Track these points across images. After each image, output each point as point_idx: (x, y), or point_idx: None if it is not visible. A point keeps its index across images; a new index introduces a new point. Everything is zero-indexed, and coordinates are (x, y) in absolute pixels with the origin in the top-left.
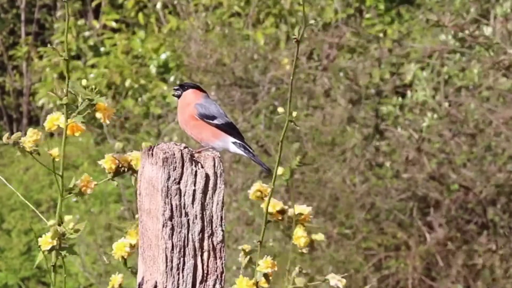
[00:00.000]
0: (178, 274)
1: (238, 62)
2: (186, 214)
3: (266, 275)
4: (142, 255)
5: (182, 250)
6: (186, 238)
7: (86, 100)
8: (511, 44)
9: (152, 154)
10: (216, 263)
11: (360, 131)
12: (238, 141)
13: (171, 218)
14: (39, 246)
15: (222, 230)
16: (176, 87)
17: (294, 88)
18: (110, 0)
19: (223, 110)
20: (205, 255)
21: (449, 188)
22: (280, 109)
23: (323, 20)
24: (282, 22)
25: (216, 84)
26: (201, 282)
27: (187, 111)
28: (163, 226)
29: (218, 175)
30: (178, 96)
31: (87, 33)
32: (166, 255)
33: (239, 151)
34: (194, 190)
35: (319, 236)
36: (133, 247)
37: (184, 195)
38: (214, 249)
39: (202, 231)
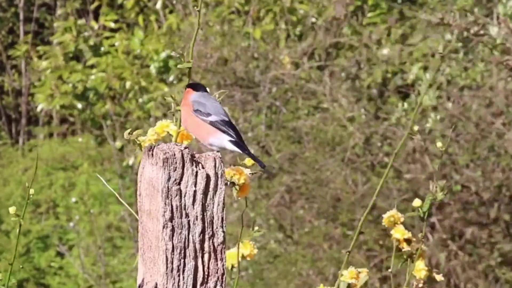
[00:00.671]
0: (179, 275)
1: (239, 62)
2: (187, 215)
3: (349, 286)
4: (142, 256)
5: (182, 251)
6: (187, 239)
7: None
8: None
9: (152, 154)
10: (217, 264)
11: (362, 131)
12: (234, 139)
13: (171, 219)
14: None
15: (223, 232)
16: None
17: (296, 88)
18: (109, 1)
19: (223, 108)
20: (206, 256)
21: (451, 189)
22: None
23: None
24: (282, 20)
25: (217, 84)
26: (201, 284)
27: (185, 109)
28: (164, 227)
29: (219, 175)
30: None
31: (86, 33)
32: (166, 257)
33: (235, 148)
34: (195, 191)
35: (439, 277)
36: (245, 257)
37: (185, 196)
38: (215, 250)
39: (202, 232)
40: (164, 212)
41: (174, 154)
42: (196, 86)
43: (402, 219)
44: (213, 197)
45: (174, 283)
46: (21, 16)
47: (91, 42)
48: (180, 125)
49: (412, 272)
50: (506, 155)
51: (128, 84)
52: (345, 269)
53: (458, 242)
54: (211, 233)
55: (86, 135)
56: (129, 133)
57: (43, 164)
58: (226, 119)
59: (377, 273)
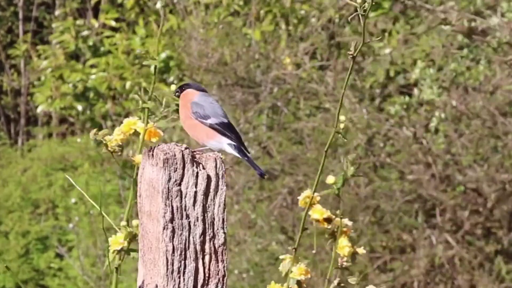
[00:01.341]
0: (179, 277)
1: (240, 62)
2: (187, 216)
3: (299, 282)
4: (142, 258)
5: (183, 253)
6: (187, 240)
7: (174, 105)
8: None
9: (152, 155)
10: (218, 266)
11: (364, 132)
12: (233, 143)
13: (171, 220)
14: (108, 246)
15: (224, 233)
16: (176, 90)
17: (297, 89)
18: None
19: (222, 110)
20: (207, 258)
21: (455, 190)
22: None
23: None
24: (282, 20)
25: (218, 84)
26: (202, 286)
27: (184, 111)
28: (164, 229)
29: (220, 176)
30: (178, 97)
31: (86, 32)
32: (166, 258)
33: (234, 153)
34: (195, 192)
35: (361, 250)
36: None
37: (185, 196)
38: (215, 252)
39: (203, 233)
40: (165, 213)
41: (175, 155)
42: (194, 87)
43: (318, 199)
44: (214, 198)
45: (175, 285)
46: (20, 15)
47: (91, 42)
48: (147, 122)
49: (336, 250)
50: (510, 156)
51: (128, 84)
52: (293, 265)
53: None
54: (212, 234)
55: (86, 135)
56: (94, 133)
57: (42, 164)
58: (225, 121)
59: (380, 275)
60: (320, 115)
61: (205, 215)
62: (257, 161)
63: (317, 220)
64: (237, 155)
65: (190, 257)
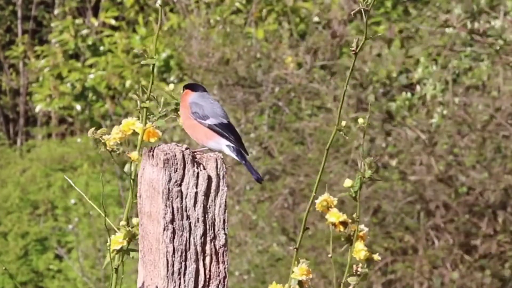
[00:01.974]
0: (180, 279)
1: (241, 61)
2: (188, 217)
3: (300, 283)
4: (142, 259)
5: (183, 254)
6: (188, 241)
7: (173, 103)
8: None
9: (152, 155)
10: (219, 267)
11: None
12: (232, 144)
13: (172, 221)
14: (108, 245)
15: (225, 234)
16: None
17: (299, 88)
18: None
19: (223, 110)
20: (207, 259)
21: (457, 191)
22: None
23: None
24: (285, 19)
25: (218, 84)
26: (203, 287)
27: (184, 111)
28: (164, 230)
29: (221, 177)
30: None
31: (85, 31)
32: (167, 259)
33: (233, 155)
34: (196, 193)
35: (376, 256)
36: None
37: (186, 197)
38: (216, 253)
39: (204, 234)
40: (165, 214)
41: (175, 155)
42: (194, 87)
43: (335, 202)
44: (214, 199)
45: (175, 286)
46: (19, 14)
47: (90, 41)
48: (146, 122)
49: (352, 254)
50: None
51: (128, 83)
52: (295, 266)
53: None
54: (212, 235)
55: (85, 135)
56: (93, 132)
57: (41, 165)
58: (225, 121)
59: (382, 277)
60: (322, 115)
61: (206, 216)
62: (258, 162)
63: (333, 224)
64: (236, 157)
65: (190, 258)
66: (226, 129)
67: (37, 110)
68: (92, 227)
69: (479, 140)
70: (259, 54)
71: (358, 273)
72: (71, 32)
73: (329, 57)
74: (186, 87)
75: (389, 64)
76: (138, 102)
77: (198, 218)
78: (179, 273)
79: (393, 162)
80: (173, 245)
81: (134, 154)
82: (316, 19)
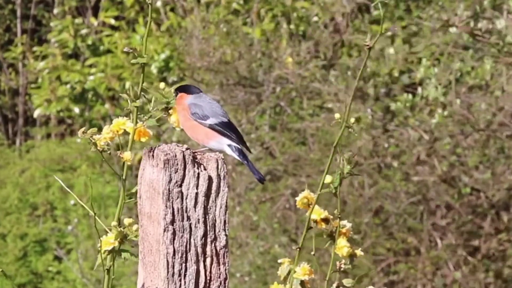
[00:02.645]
0: (180, 280)
1: (242, 61)
2: (188, 218)
3: (303, 283)
4: (142, 260)
5: (184, 255)
6: (188, 243)
7: (163, 102)
8: None
9: (153, 155)
10: (220, 269)
11: (368, 132)
12: (234, 144)
13: (172, 222)
14: (99, 246)
15: (226, 235)
16: (175, 92)
17: (300, 88)
18: None
19: (222, 109)
20: (208, 260)
21: (460, 192)
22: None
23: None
24: (283, 19)
25: (219, 84)
26: None
27: (182, 113)
28: (164, 231)
29: (222, 177)
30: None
31: (85, 31)
32: (167, 261)
33: (234, 155)
34: (197, 193)
35: (359, 252)
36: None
37: (186, 198)
38: (217, 254)
39: (205, 235)
40: (165, 215)
41: (175, 155)
42: (189, 88)
43: (315, 199)
44: (215, 200)
45: None
46: (18, 14)
47: (90, 41)
48: (136, 122)
49: (335, 250)
50: None
51: (127, 84)
52: (297, 265)
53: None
54: (213, 236)
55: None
56: (83, 132)
57: (40, 165)
58: (225, 120)
59: (384, 278)
60: (324, 115)
61: (207, 217)
62: (259, 162)
63: (315, 221)
64: (237, 157)
65: (191, 259)
66: (228, 128)
67: (35, 115)
68: (92, 228)
69: (482, 140)
70: (260, 54)
71: (342, 268)
72: (71, 32)
73: (329, 56)
74: (180, 90)
75: (391, 64)
76: (129, 101)
77: (198, 219)
78: (180, 275)
79: (395, 163)
80: (174, 246)
81: (126, 154)
82: (315, 18)
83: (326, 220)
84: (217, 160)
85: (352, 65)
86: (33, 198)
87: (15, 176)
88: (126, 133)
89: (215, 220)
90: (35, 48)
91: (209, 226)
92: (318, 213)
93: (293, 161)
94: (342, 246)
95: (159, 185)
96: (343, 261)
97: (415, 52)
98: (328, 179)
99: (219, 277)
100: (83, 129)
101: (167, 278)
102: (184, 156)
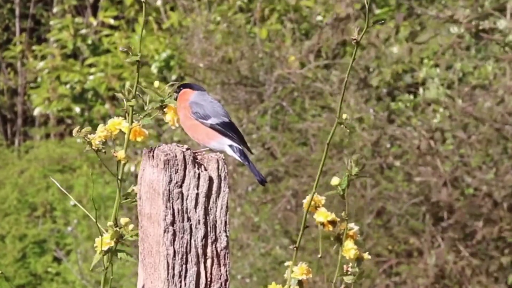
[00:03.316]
0: (180, 282)
1: (244, 60)
2: (189, 219)
3: (300, 283)
4: (142, 262)
5: (184, 256)
6: (189, 244)
7: (158, 101)
8: None
9: (153, 156)
10: (220, 270)
11: (370, 132)
12: (235, 144)
13: (173, 223)
14: (95, 246)
15: (227, 236)
16: (175, 90)
17: (302, 88)
18: None
19: (223, 109)
20: (209, 262)
21: (463, 192)
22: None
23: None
24: (287, 18)
25: (221, 83)
26: None
27: (183, 112)
28: (165, 232)
29: (222, 178)
30: (176, 98)
31: (84, 31)
32: (167, 262)
33: (235, 156)
34: (197, 194)
35: (366, 255)
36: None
37: (187, 199)
38: (218, 255)
39: (205, 236)
40: (165, 216)
41: (176, 156)
42: (192, 86)
43: (323, 202)
44: (216, 200)
45: None
46: (17, 13)
47: (89, 41)
48: (132, 121)
49: (342, 253)
50: None
51: (127, 84)
52: (294, 265)
53: (469, 244)
54: (214, 237)
55: None
56: (77, 131)
57: (39, 166)
58: (227, 120)
59: (386, 279)
60: (325, 115)
61: (207, 218)
62: (260, 163)
63: (322, 223)
64: (238, 158)
65: (191, 261)
66: (229, 128)
67: (35, 113)
68: (91, 229)
69: (485, 140)
70: (262, 53)
71: (349, 272)
72: (71, 31)
73: (332, 56)
74: (184, 86)
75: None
76: (124, 101)
77: (199, 220)
78: (180, 276)
79: (397, 163)
80: (174, 248)
81: (121, 153)
82: (319, 18)
83: (333, 223)
84: (217, 160)
85: (355, 64)
86: (32, 199)
87: (14, 176)
88: (122, 133)
89: (216, 221)
90: (34, 47)
91: (210, 227)
92: (324, 215)
93: (295, 161)
94: (349, 249)
95: (159, 185)
96: (350, 264)
97: (419, 42)
98: (335, 181)
99: (220, 278)
100: (77, 128)
101: (167, 279)
102: (184, 157)
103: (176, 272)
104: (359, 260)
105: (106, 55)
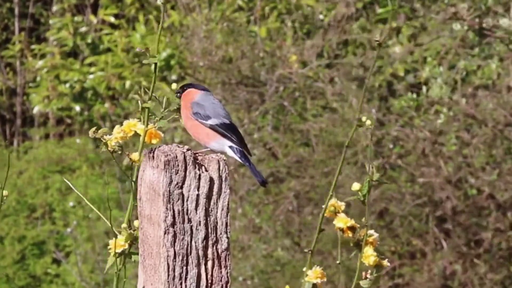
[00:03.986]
0: (181, 284)
1: (245, 60)
2: (189, 220)
3: (315, 286)
4: (142, 263)
5: (184, 258)
6: (189, 245)
7: (175, 103)
8: None
9: (153, 156)
10: (221, 272)
11: (373, 132)
12: (235, 146)
13: (173, 224)
14: (109, 248)
15: (227, 238)
16: (178, 90)
17: (304, 88)
18: None
19: (225, 110)
20: (209, 263)
21: (466, 193)
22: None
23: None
24: (288, 17)
25: (221, 83)
26: None
27: (185, 112)
28: (165, 233)
29: (223, 179)
30: (180, 98)
31: (84, 29)
32: (168, 264)
33: (236, 157)
34: (198, 195)
35: (385, 262)
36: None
37: (187, 200)
38: (218, 257)
39: (206, 238)
40: (166, 217)
41: (176, 157)
42: (195, 86)
43: (343, 208)
44: (217, 202)
45: None
46: (16, 12)
47: (89, 39)
48: (147, 123)
49: (361, 259)
50: None
51: (128, 84)
52: (309, 269)
53: (475, 250)
54: (214, 239)
55: (84, 136)
56: (94, 132)
57: (38, 166)
58: (227, 121)
59: (389, 281)
60: (327, 115)
61: (208, 219)
62: (262, 164)
63: (341, 229)
64: (239, 159)
65: (192, 262)
66: (229, 130)
67: (35, 111)
68: (91, 230)
69: (489, 140)
70: (263, 52)
71: (368, 278)
72: (70, 30)
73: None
74: (187, 87)
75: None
76: (140, 102)
77: (199, 221)
78: (180, 278)
79: (400, 162)
80: (174, 249)
81: (135, 155)
82: (321, 17)
83: (352, 229)
84: (218, 161)
85: (356, 64)
86: (31, 200)
87: (12, 177)
88: (136, 134)
89: (217, 223)
90: (33, 46)
91: (211, 229)
92: (344, 221)
93: (296, 162)
94: (369, 255)
95: (160, 186)
96: (369, 270)
97: (420, 44)
98: (356, 186)
99: (221, 280)
100: (93, 128)
101: (168, 281)
102: (185, 157)
103: (177, 274)
104: (378, 266)
105: (106, 54)
